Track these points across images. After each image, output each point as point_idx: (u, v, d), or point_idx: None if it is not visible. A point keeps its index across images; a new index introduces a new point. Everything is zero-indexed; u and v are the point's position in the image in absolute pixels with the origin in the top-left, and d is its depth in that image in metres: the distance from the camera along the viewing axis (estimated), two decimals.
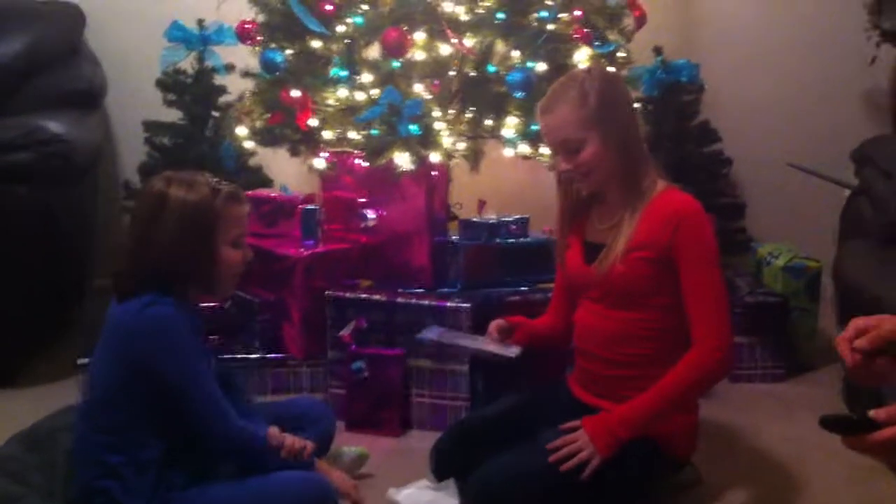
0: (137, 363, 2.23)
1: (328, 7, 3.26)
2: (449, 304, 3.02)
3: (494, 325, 2.64)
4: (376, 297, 3.10)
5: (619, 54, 3.46)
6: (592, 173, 2.46)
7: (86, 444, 2.29)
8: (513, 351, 2.46)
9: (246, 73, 3.53)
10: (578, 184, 2.52)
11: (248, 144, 3.53)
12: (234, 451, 2.30)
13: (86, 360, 3.12)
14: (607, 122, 2.44)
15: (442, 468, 2.59)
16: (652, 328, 2.51)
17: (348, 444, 2.74)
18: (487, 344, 2.55)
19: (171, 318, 2.23)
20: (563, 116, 2.44)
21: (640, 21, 3.59)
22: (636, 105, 2.67)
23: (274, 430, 2.37)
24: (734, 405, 3.28)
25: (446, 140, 3.15)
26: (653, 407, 2.42)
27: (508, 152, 3.28)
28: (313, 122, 3.25)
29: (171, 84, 3.77)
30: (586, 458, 2.35)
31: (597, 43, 3.35)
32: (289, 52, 3.34)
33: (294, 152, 3.49)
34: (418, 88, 3.17)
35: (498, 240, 3.27)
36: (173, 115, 3.79)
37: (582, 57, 3.29)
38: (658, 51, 3.89)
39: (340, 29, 3.28)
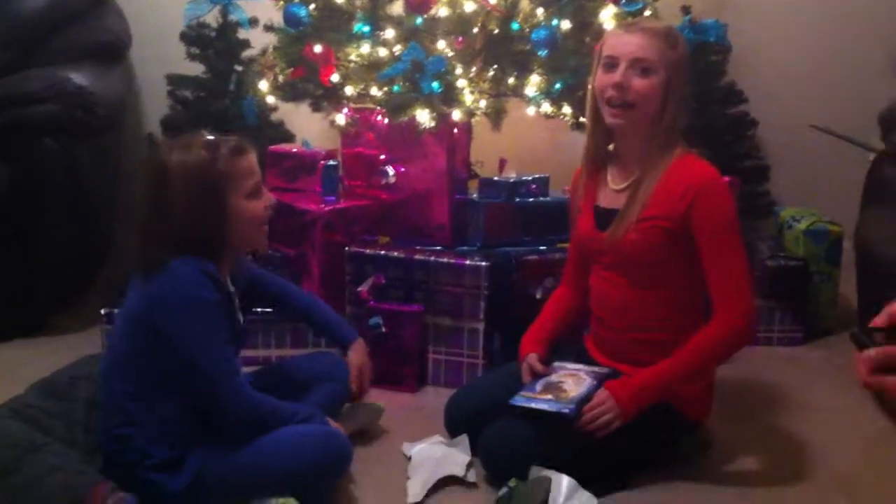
0: (152, 326, 2.24)
1: None
2: (467, 261, 3.02)
3: (526, 369, 2.58)
4: (395, 253, 3.11)
5: (646, 13, 3.41)
6: (637, 106, 2.43)
7: (109, 392, 2.32)
8: (568, 407, 2.43)
9: (269, 28, 3.51)
10: (613, 114, 2.46)
11: (270, 99, 3.53)
12: (243, 422, 2.29)
13: (110, 310, 3.19)
14: (678, 73, 2.45)
15: (455, 424, 2.62)
16: (666, 295, 2.51)
17: (365, 399, 2.75)
18: (541, 403, 2.44)
19: (189, 285, 2.22)
20: (651, 41, 2.42)
21: None
22: None
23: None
24: (751, 368, 3.27)
25: (468, 98, 3.14)
26: (674, 374, 2.43)
27: (531, 111, 3.27)
28: (335, 77, 3.24)
29: (194, 38, 3.76)
30: (608, 421, 2.37)
31: (623, 1, 3.30)
32: (312, 6, 3.32)
33: (316, 108, 3.48)
34: (441, 45, 3.15)
35: (518, 199, 3.26)
36: (196, 69, 3.79)
37: (607, 15, 3.25)
38: (686, 10, 3.84)
39: None
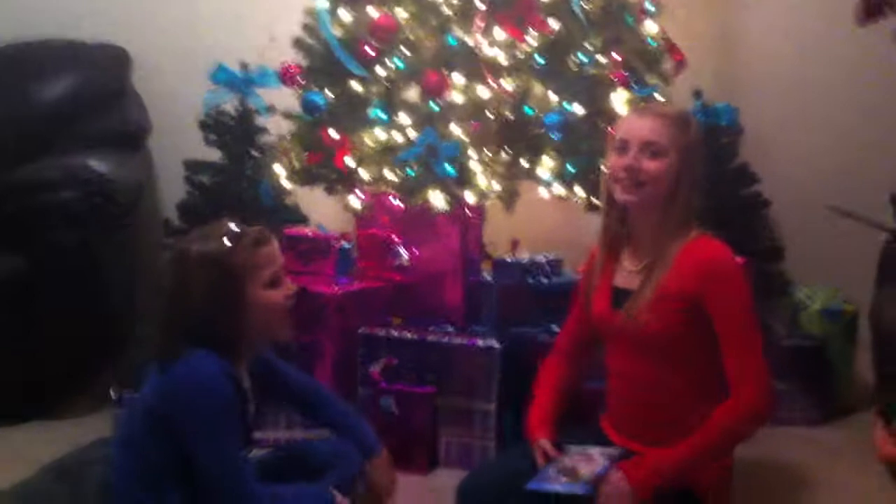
0: (163, 417, 2.23)
1: (369, 51, 3.30)
2: (479, 343, 3.02)
3: (541, 453, 2.51)
4: (407, 334, 3.11)
5: (658, 97, 3.45)
6: (648, 185, 2.43)
7: (118, 477, 2.31)
8: (583, 487, 2.40)
9: (287, 115, 3.57)
10: (625, 191, 2.46)
11: (286, 184, 3.56)
12: None
13: (121, 394, 3.18)
14: (690, 159, 2.45)
15: None
16: (686, 374, 2.47)
17: None
18: (556, 486, 2.38)
19: (203, 382, 2.20)
20: (662, 124, 2.44)
21: (680, 65, 3.60)
22: None
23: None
24: (771, 449, 3.23)
25: (482, 180, 3.17)
26: (690, 455, 2.38)
27: (544, 193, 3.29)
28: (350, 161, 3.28)
29: (213, 125, 3.82)
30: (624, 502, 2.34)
31: (635, 86, 3.35)
32: (329, 94, 3.38)
33: (331, 191, 3.51)
34: (456, 130, 3.20)
35: (531, 280, 3.27)
36: (214, 155, 3.84)
37: (620, 100, 3.29)
38: (698, 94, 3.89)
39: (381, 72, 3.32)
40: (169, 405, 2.23)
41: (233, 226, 2.34)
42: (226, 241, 2.28)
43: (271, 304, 2.33)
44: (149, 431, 2.25)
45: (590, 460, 2.47)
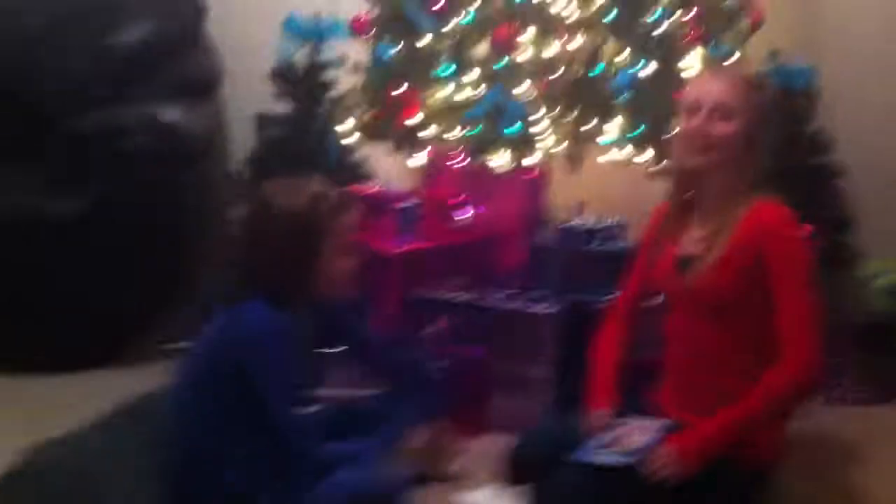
0: (223, 362, 2.27)
1: (440, 4, 3.27)
2: (536, 308, 3.01)
3: (592, 424, 2.51)
4: (465, 296, 3.11)
5: (734, 57, 3.38)
6: (715, 149, 2.42)
7: (178, 424, 2.35)
8: (629, 458, 2.35)
9: (356, 67, 3.56)
10: (691, 155, 2.45)
11: (353, 139, 3.57)
12: (304, 469, 2.28)
13: (173, 347, 3.23)
14: (759, 122, 2.44)
15: (517, 473, 2.59)
16: (744, 339, 2.46)
17: None
18: (603, 457, 2.38)
19: (266, 329, 2.23)
20: (734, 87, 2.44)
21: (756, 23, 3.50)
22: None
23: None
24: (827, 427, 3.19)
25: (549, 140, 3.14)
26: (737, 425, 2.37)
27: (611, 155, 3.25)
28: (418, 118, 3.27)
29: (283, 76, 3.83)
30: (671, 474, 2.33)
31: (711, 44, 3.27)
32: (398, 47, 3.36)
33: (397, 148, 3.51)
34: (524, 88, 3.16)
35: (595, 244, 3.24)
36: (284, 108, 3.85)
37: (694, 58, 3.23)
38: (774, 54, 3.79)
39: (450, 26, 3.29)
40: (229, 351, 2.25)
41: (319, 185, 2.35)
42: (312, 199, 2.29)
43: (341, 271, 2.34)
44: (209, 376, 2.28)
45: (639, 432, 2.47)
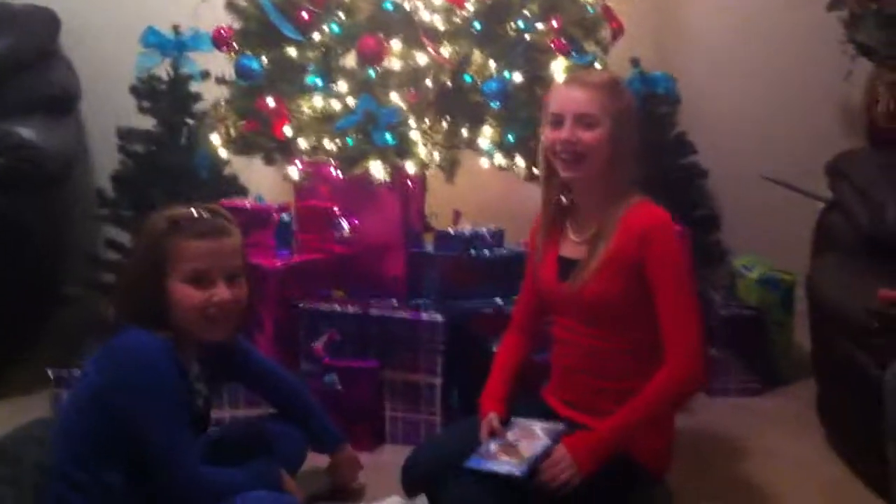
0: (101, 393, 2.20)
1: (305, 14, 3.24)
2: (423, 316, 3.01)
3: (485, 428, 2.52)
4: (349, 308, 3.08)
5: (596, 65, 3.45)
6: (586, 158, 2.46)
7: (57, 456, 2.26)
8: (520, 469, 2.35)
9: (221, 80, 3.49)
10: (566, 168, 2.49)
11: (223, 153, 3.49)
12: (191, 498, 2.23)
13: (59, 372, 3.12)
14: (625, 124, 2.48)
15: (413, 483, 2.57)
16: (629, 342, 2.51)
17: (320, 461, 2.72)
18: (494, 465, 2.39)
19: (150, 358, 2.18)
20: (594, 94, 2.46)
21: (617, 32, 3.59)
22: None
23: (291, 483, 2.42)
24: (709, 419, 3.28)
25: (422, 150, 3.14)
26: (629, 424, 2.42)
27: (484, 163, 3.27)
28: (288, 130, 3.23)
29: (145, 90, 3.71)
30: (568, 478, 2.35)
31: (574, 54, 3.33)
32: (264, 59, 3.31)
33: (269, 161, 3.44)
34: (394, 97, 3.16)
35: (473, 251, 3.25)
36: (148, 123, 3.74)
37: (559, 67, 3.28)
38: (635, 62, 3.89)
39: (317, 37, 3.26)
40: (110, 380, 2.20)
41: (195, 210, 2.29)
42: (167, 221, 2.25)
43: (185, 302, 2.27)
44: (89, 409, 2.22)
45: (532, 437, 2.48)
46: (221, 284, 2.30)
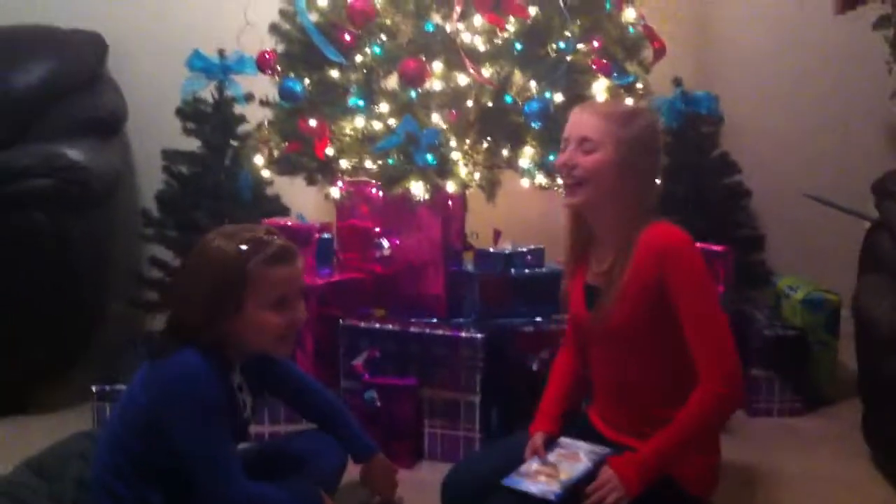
0: (151, 414, 2.22)
1: (347, 37, 3.27)
2: (462, 333, 3.00)
3: (530, 447, 2.53)
4: (389, 326, 3.09)
5: (638, 85, 3.44)
6: (585, 183, 2.44)
7: (99, 468, 2.29)
8: (554, 493, 2.34)
9: (264, 103, 3.53)
10: (567, 192, 2.49)
11: (265, 173, 3.53)
12: None
13: (102, 387, 3.16)
14: (632, 149, 2.43)
15: (453, 502, 2.58)
16: (661, 367, 2.49)
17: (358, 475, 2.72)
18: (531, 485, 2.39)
19: (196, 376, 2.19)
20: (599, 120, 2.44)
21: (660, 52, 3.58)
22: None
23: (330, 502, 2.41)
24: (752, 440, 3.25)
25: (462, 170, 3.15)
26: (672, 445, 2.38)
27: (525, 183, 3.27)
28: (330, 151, 3.25)
29: (190, 113, 3.78)
30: (615, 500, 2.33)
31: (615, 74, 3.33)
32: (307, 81, 3.35)
33: (311, 181, 3.47)
34: (436, 118, 3.17)
35: (513, 270, 3.25)
36: (192, 144, 3.80)
37: (600, 88, 3.28)
38: (678, 82, 3.89)
39: (359, 59, 3.28)
40: (155, 399, 2.22)
41: (264, 233, 2.29)
42: (242, 247, 2.24)
43: (268, 326, 2.28)
44: (135, 425, 2.25)
45: (574, 459, 2.47)
46: (300, 306, 2.34)
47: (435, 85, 3.20)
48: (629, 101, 2.54)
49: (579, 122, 2.48)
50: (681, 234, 2.44)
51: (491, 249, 3.31)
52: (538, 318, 3.19)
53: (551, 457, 2.49)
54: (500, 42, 3.23)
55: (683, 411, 2.38)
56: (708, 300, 2.41)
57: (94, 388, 3.17)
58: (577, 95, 3.26)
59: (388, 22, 3.26)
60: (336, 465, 2.66)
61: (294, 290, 2.32)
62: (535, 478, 2.40)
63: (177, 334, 2.25)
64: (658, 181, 2.55)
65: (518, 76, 3.24)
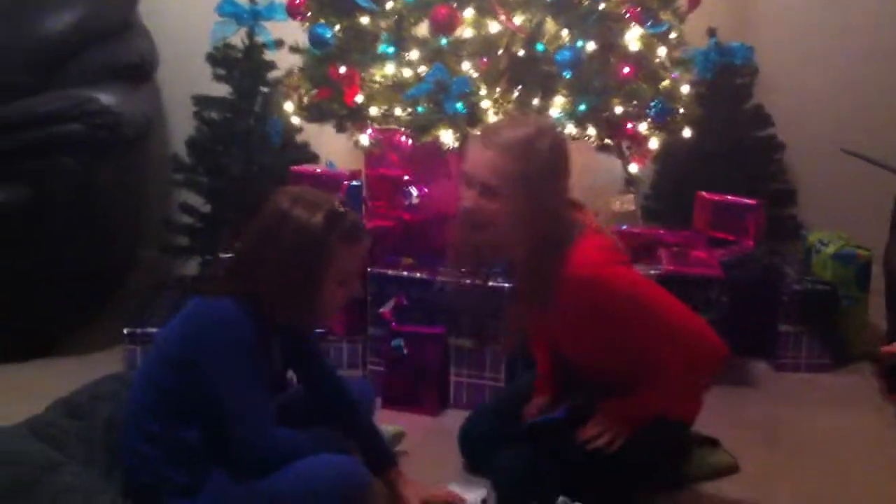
0: (184, 349, 2.24)
1: None
2: (489, 283, 3.00)
3: (530, 414, 2.60)
4: (417, 274, 3.09)
5: (672, 35, 3.40)
6: (490, 227, 2.37)
7: (136, 407, 2.31)
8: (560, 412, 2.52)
9: (294, 49, 3.52)
10: (469, 233, 2.41)
11: (295, 120, 3.53)
12: (263, 462, 2.24)
13: (133, 330, 3.20)
14: (540, 184, 2.33)
15: (470, 449, 2.67)
16: (623, 364, 2.48)
17: (385, 422, 2.72)
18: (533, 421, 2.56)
19: (233, 321, 2.20)
20: (498, 160, 2.32)
21: (694, 1, 3.52)
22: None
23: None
24: (778, 394, 3.25)
25: (493, 118, 3.13)
26: (662, 398, 2.44)
27: None
28: (360, 98, 3.24)
29: (220, 59, 3.78)
30: (613, 437, 2.40)
31: (649, 23, 3.28)
32: (337, 27, 3.33)
33: (340, 128, 3.47)
34: (466, 66, 3.15)
35: None
36: (222, 90, 3.80)
37: (633, 36, 3.24)
38: (712, 32, 3.84)
39: (389, 5, 3.26)
40: (192, 336, 2.25)
41: (338, 205, 2.28)
42: (323, 221, 2.22)
43: (333, 300, 2.32)
44: (170, 363, 2.27)
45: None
46: (357, 283, 2.37)
47: (466, 32, 3.17)
48: (520, 128, 2.37)
49: (480, 164, 2.36)
50: (596, 262, 2.34)
51: None
52: None
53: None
54: None
55: (670, 373, 2.39)
56: (644, 311, 2.36)
57: (125, 331, 3.21)
58: (610, 44, 3.23)
59: None
60: (367, 410, 2.65)
61: (359, 268, 2.36)
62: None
63: (230, 285, 2.27)
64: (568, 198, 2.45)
65: (550, 24, 3.20)
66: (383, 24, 3.28)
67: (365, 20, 3.30)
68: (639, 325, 2.36)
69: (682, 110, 3.35)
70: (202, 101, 3.82)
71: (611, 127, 3.22)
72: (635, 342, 2.39)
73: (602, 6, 3.22)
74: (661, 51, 3.31)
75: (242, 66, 3.78)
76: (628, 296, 2.36)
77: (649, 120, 3.24)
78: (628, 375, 2.46)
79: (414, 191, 3.31)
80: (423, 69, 3.16)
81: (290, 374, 2.57)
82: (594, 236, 2.39)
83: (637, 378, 2.45)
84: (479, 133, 2.49)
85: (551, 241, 2.36)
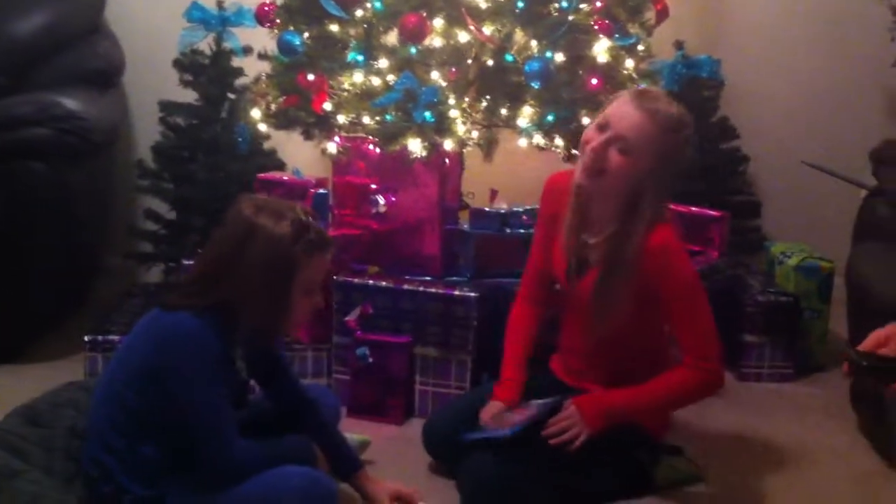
0: (147, 363, 2.22)
1: None
2: (456, 292, 3.01)
3: (488, 416, 2.59)
4: (383, 283, 3.09)
5: (640, 47, 3.42)
6: (604, 176, 2.45)
7: (97, 417, 2.30)
8: (502, 432, 2.48)
9: (263, 56, 3.50)
10: (582, 173, 2.49)
11: (262, 127, 3.51)
12: (227, 476, 2.22)
13: (94, 338, 3.17)
14: (661, 164, 2.44)
15: (434, 448, 2.70)
16: (632, 344, 2.57)
17: (350, 431, 2.71)
18: (482, 434, 2.53)
19: (195, 334, 2.19)
20: (646, 124, 2.42)
21: (662, 14, 3.55)
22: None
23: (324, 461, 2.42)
24: (742, 404, 3.27)
25: (461, 128, 3.13)
26: (643, 404, 2.50)
27: (523, 142, 3.25)
28: (328, 106, 3.23)
29: (188, 64, 3.76)
30: (574, 434, 2.43)
31: (617, 35, 3.30)
32: (306, 35, 3.32)
33: (308, 136, 3.45)
34: (435, 75, 3.15)
35: (509, 230, 3.25)
36: (189, 96, 3.78)
37: (601, 48, 3.25)
38: (679, 45, 3.86)
39: (359, 13, 3.25)
40: (155, 348, 2.23)
41: (302, 214, 2.27)
42: (289, 231, 2.22)
43: (298, 310, 2.31)
44: (132, 374, 2.25)
45: (524, 410, 2.57)
46: (320, 293, 2.36)
47: (435, 41, 3.18)
48: (674, 106, 2.47)
49: (625, 116, 2.44)
50: (669, 236, 2.48)
51: (487, 209, 3.30)
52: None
53: (507, 415, 2.58)
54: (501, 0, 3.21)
55: (665, 378, 2.46)
56: (697, 296, 2.49)
57: (86, 339, 3.18)
58: (578, 56, 3.25)
59: None
60: (332, 419, 2.65)
61: (324, 278, 2.35)
62: (483, 431, 2.54)
63: (193, 296, 2.25)
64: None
65: (519, 35, 3.21)
66: (353, 31, 3.28)
67: (334, 28, 3.30)
68: (684, 309, 2.46)
69: None
70: (169, 107, 3.80)
71: (578, 138, 3.23)
72: (676, 327, 2.50)
73: (571, 18, 3.23)
74: (629, 63, 3.32)
75: (210, 72, 3.76)
76: (691, 277, 2.49)
77: None
78: (635, 365, 2.54)
79: (381, 199, 3.31)
80: (391, 78, 3.16)
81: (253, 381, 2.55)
82: (675, 227, 2.53)
83: (640, 373, 2.51)
84: (634, 92, 2.56)
85: (647, 212, 2.46)
